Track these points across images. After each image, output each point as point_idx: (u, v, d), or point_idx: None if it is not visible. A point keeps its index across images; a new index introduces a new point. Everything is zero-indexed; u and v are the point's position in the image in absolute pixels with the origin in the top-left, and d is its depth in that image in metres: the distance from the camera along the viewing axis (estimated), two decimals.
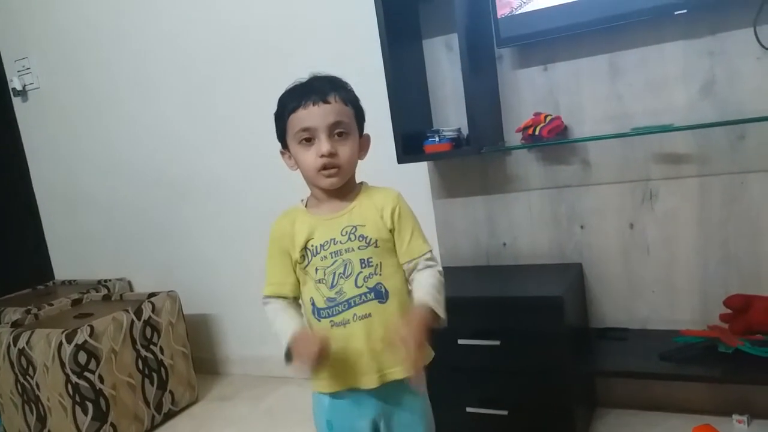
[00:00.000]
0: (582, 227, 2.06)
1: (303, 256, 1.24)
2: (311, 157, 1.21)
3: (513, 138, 2.04)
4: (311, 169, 1.22)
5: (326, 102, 1.20)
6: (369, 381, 1.22)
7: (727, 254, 1.88)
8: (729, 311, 1.81)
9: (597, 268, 2.06)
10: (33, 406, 2.27)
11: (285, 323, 1.24)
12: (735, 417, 1.88)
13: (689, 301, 1.95)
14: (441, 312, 1.22)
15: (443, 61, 2.15)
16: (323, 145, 1.19)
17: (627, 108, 1.92)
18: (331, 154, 1.20)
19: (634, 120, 1.90)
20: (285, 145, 1.28)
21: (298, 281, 1.29)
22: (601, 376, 2.08)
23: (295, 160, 1.26)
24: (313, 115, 1.19)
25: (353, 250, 1.22)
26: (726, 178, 1.84)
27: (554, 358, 1.77)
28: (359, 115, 1.28)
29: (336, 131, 1.21)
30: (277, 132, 1.29)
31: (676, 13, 1.75)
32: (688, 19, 1.79)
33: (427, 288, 1.23)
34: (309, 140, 1.21)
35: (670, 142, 1.89)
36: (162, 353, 2.48)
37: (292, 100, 1.22)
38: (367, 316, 1.21)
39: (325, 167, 1.20)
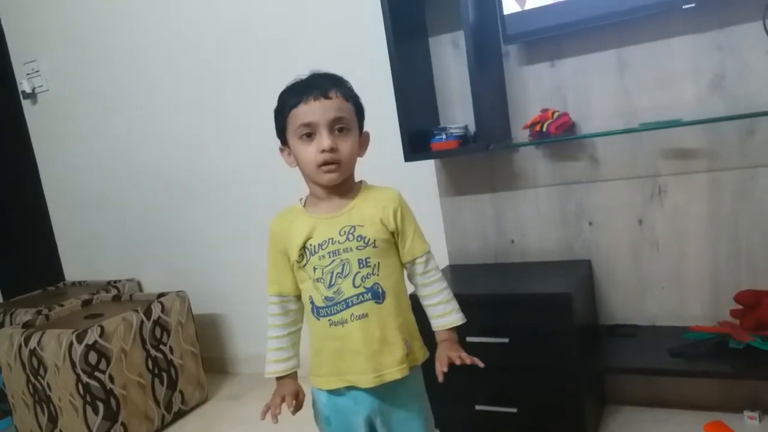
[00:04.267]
0: (590, 224, 2.05)
1: (301, 255, 1.24)
2: (312, 152, 1.20)
3: (520, 135, 2.04)
4: (311, 164, 1.21)
5: (327, 97, 1.19)
6: (366, 381, 1.23)
7: (737, 249, 1.87)
8: (740, 307, 1.80)
9: (606, 265, 2.05)
10: (44, 406, 2.29)
11: (271, 354, 1.32)
12: (746, 413, 1.86)
13: (699, 297, 1.94)
14: (462, 319, 1.33)
15: (450, 59, 2.15)
16: (324, 140, 1.19)
17: (635, 103, 1.91)
18: (332, 150, 1.19)
19: (642, 115, 1.89)
20: (284, 142, 1.28)
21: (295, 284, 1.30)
22: (610, 373, 2.07)
23: (295, 156, 1.25)
24: (314, 110, 1.19)
25: (351, 249, 1.22)
26: (736, 172, 1.83)
27: (563, 355, 1.77)
28: (359, 112, 1.28)
29: (337, 127, 1.20)
30: (276, 128, 1.28)
31: (684, 7, 1.74)
32: (697, 13, 1.78)
33: (443, 307, 1.31)
34: (309, 135, 1.20)
35: (679, 138, 1.88)
36: (172, 353, 2.49)
37: (292, 95, 1.22)
38: (364, 316, 1.22)
39: (326, 162, 1.20)
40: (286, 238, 1.27)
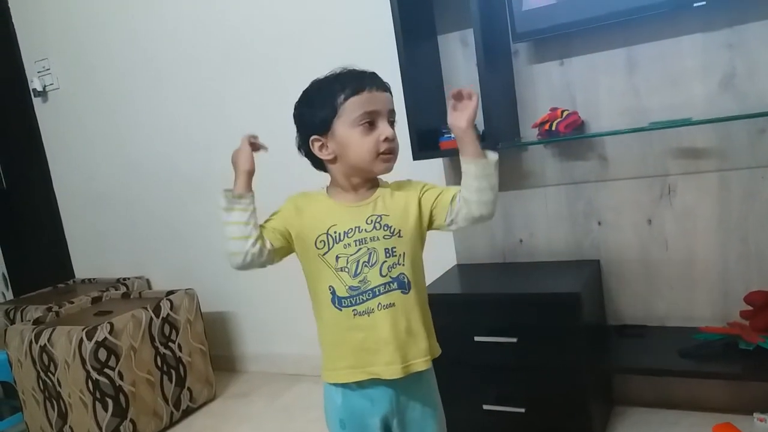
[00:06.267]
0: (599, 223, 2.04)
1: (323, 242, 1.23)
2: (371, 141, 1.19)
3: (529, 133, 2.03)
4: (370, 153, 1.20)
5: (387, 90, 1.23)
6: (392, 371, 1.21)
7: (747, 250, 1.85)
8: (749, 308, 1.78)
9: (615, 265, 2.04)
10: (54, 402, 2.30)
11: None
12: (756, 415, 1.85)
13: (709, 297, 1.93)
14: (492, 158, 1.25)
15: (458, 57, 2.15)
16: (387, 129, 1.20)
17: (644, 102, 1.90)
18: (394, 139, 1.22)
19: (651, 114, 1.88)
20: (324, 132, 1.23)
21: (278, 243, 1.30)
22: (619, 374, 2.06)
23: (344, 145, 1.21)
24: (378, 100, 1.20)
25: (378, 239, 1.21)
26: (746, 172, 1.82)
27: (571, 355, 1.76)
28: None
29: (390, 120, 1.23)
30: (316, 118, 1.23)
31: (695, 5, 1.73)
32: (707, 11, 1.77)
33: None
34: (372, 124, 1.20)
35: (689, 137, 1.86)
36: (180, 350, 2.51)
37: (349, 83, 1.20)
38: (391, 305, 1.21)
39: (387, 152, 1.21)
40: (301, 215, 1.27)
